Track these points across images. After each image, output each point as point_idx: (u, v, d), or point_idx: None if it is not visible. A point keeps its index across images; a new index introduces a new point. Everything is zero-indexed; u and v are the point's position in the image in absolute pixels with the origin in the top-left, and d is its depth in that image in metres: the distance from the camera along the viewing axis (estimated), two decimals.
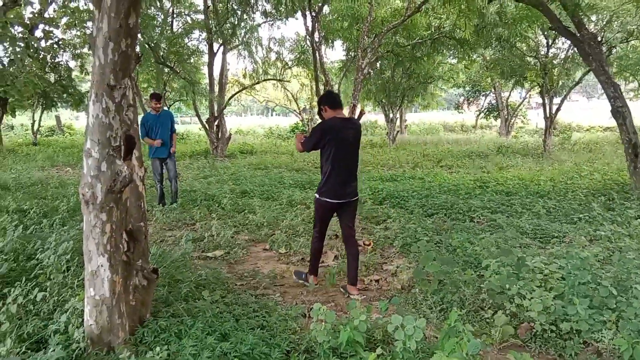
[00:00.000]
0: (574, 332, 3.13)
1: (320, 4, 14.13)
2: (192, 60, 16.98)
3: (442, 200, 7.61)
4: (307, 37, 15.58)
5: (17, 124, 31.33)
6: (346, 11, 14.60)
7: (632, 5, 10.02)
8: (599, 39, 8.80)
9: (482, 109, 31.25)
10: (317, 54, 14.57)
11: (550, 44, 16.22)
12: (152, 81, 18.24)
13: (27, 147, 20.17)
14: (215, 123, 16.49)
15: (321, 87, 16.07)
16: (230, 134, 18.04)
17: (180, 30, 16.44)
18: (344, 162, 4.08)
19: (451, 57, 20.00)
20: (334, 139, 4.02)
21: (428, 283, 3.94)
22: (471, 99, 32.07)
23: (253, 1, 15.27)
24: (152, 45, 13.69)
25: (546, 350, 3.13)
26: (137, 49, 2.93)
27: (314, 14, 14.10)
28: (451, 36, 14.78)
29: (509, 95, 25.75)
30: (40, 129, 23.59)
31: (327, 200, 4.13)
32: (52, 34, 8.91)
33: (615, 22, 12.79)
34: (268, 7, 15.89)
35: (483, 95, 30.83)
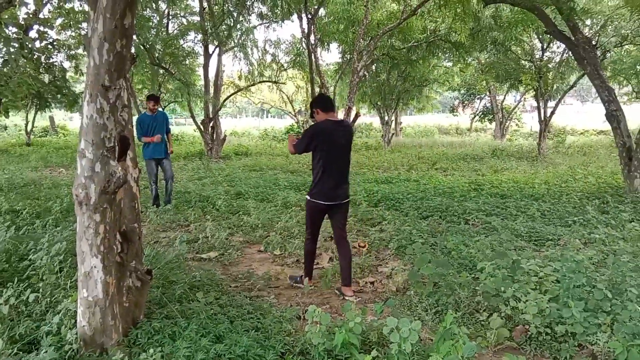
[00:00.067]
0: (569, 334, 3.14)
1: (316, 7, 14.14)
2: (187, 62, 16.93)
3: (437, 202, 7.62)
4: (303, 39, 15.59)
5: (11, 124, 31.16)
6: (342, 14, 14.63)
7: (627, 9, 10.09)
8: (594, 43, 8.86)
9: (477, 112, 31.42)
10: (312, 56, 14.56)
11: (545, 47, 16.34)
12: (147, 82, 18.20)
13: (20, 147, 20.05)
14: (210, 124, 16.45)
15: (317, 90, 16.06)
16: (225, 136, 18.01)
17: (175, 31, 16.43)
18: (335, 164, 4.09)
19: (446, 60, 20.09)
20: (325, 141, 4.03)
21: (423, 285, 3.94)
22: (466, 102, 32.28)
23: (249, 3, 15.28)
24: (148, 46, 13.65)
25: (541, 352, 3.14)
26: (132, 50, 2.92)
27: (309, 16, 14.10)
28: (446, 39, 14.82)
29: (504, 98, 25.89)
30: (33, 129, 23.46)
31: (318, 202, 4.13)
32: (46, 35, 8.86)
33: (610, 27, 12.90)
34: (264, 9, 15.92)
35: (478, 99, 31.02)
